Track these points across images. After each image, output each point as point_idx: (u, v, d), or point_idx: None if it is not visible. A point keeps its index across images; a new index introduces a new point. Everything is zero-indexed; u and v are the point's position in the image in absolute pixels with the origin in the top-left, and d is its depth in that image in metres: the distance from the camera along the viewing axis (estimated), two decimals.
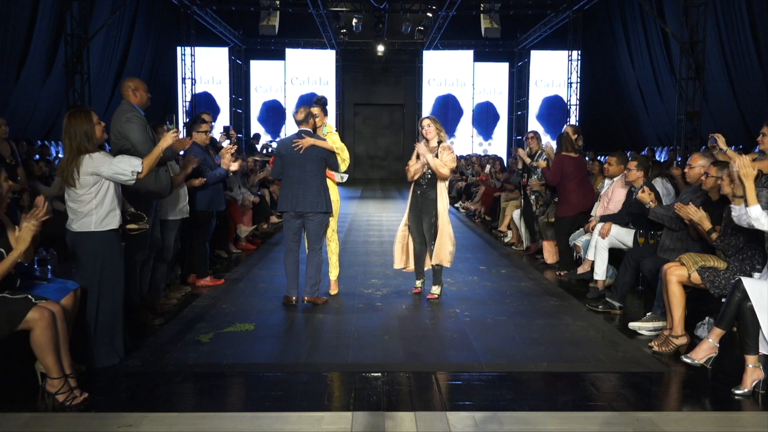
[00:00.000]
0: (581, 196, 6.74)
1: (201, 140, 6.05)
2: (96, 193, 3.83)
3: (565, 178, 6.71)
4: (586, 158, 8.21)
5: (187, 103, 18.55)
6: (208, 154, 6.15)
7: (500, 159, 13.49)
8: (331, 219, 5.64)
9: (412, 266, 5.89)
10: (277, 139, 15.24)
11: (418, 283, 5.92)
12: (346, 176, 5.81)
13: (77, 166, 3.77)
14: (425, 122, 5.68)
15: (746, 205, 3.70)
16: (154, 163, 4.08)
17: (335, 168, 5.56)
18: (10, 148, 7.18)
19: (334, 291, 5.82)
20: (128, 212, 4.20)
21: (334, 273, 5.86)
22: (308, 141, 5.35)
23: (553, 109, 20.53)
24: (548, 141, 7.67)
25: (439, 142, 5.61)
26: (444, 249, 5.58)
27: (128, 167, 3.85)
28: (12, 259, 3.36)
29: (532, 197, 7.80)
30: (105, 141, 4.38)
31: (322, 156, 5.37)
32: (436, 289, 5.72)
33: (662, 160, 12.30)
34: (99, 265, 3.87)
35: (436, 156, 5.53)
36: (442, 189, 5.63)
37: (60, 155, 11.61)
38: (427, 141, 5.64)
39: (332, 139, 5.66)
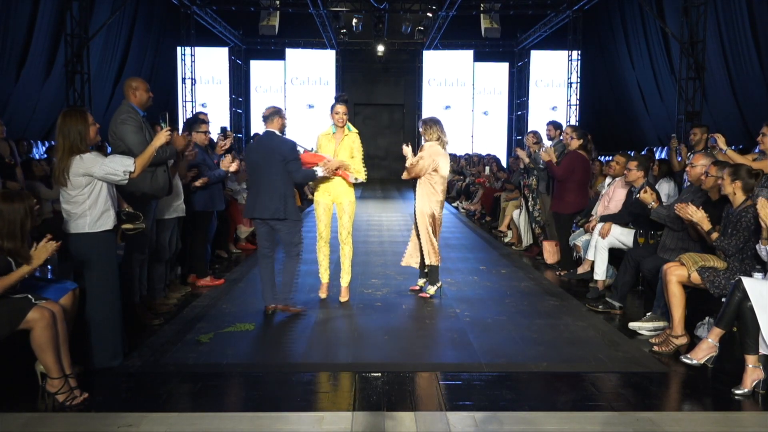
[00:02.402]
0: (580, 196, 6.77)
1: (200, 140, 6.06)
2: (89, 194, 3.83)
3: (569, 176, 6.71)
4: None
5: (188, 104, 18.55)
6: (207, 154, 6.16)
7: (497, 159, 13.46)
8: (347, 221, 5.46)
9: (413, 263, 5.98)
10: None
11: (420, 281, 5.96)
12: (360, 179, 5.48)
13: (67, 167, 3.76)
14: (420, 126, 5.86)
15: None
16: (147, 162, 4.06)
17: (297, 177, 5.12)
18: (9, 147, 7.18)
19: (344, 298, 5.53)
20: (124, 212, 4.19)
21: (345, 279, 5.57)
22: (335, 164, 5.26)
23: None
24: (548, 145, 7.66)
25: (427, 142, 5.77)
26: (425, 246, 5.74)
27: (120, 167, 3.84)
28: (21, 273, 3.37)
29: (530, 200, 7.79)
30: (98, 142, 4.36)
31: (282, 161, 4.98)
32: (430, 289, 5.75)
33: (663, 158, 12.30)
34: (94, 266, 3.87)
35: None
36: (422, 189, 5.72)
37: None
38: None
39: (353, 139, 5.50)
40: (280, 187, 4.98)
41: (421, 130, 5.84)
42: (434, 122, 5.81)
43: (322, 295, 5.61)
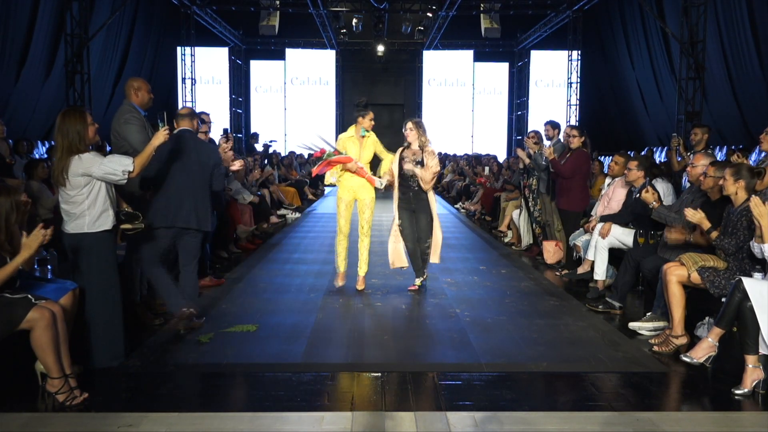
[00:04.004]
0: (585, 192, 6.81)
1: None
2: (88, 194, 3.82)
3: (576, 174, 6.71)
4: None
5: (188, 104, 18.55)
6: None
7: (496, 159, 13.45)
8: (369, 216, 5.80)
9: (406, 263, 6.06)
10: (271, 141, 15.05)
11: (418, 281, 6.00)
12: (384, 182, 5.85)
13: (66, 167, 3.77)
14: (408, 125, 5.88)
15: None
16: (146, 161, 4.05)
17: (217, 185, 4.90)
18: (8, 147, 7.19)
19: (360, 287, 5.89)
20: (123, 212, 4.19)
21: (363, 269, 5.92)
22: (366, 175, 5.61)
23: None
24: (549, 143, 7.65)
25: (421, 147, 5.83)
26: (439, 247, 5.92)
27: (119, 167, 3.84)
28: (15, 264, 3.36)
29: (530, 200, 7.79)
30: (98, 142, 4.35)
31: (212, 165, 4.68)
32: (418, 281, 5.98)
33: (662, 160, 12.32)
34: (94, 267, 3.87)
35: (420, 162, 5.77)
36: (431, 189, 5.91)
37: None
38: (409, 144, 5.88)
39: (373, 140, 5.85)
40: (207, 194, 4.70)
41: (412, 132, 5.83)
42: (424, 125, 5.99)
43: (340, 283, 5.92)
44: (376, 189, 5.83)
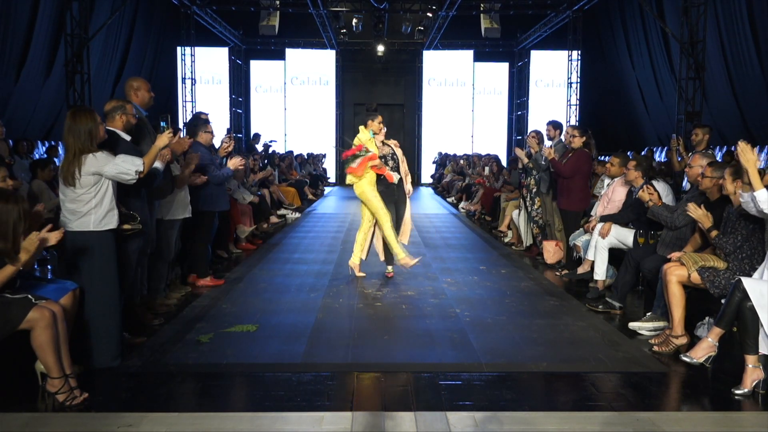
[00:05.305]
0: (585, 192, 6.80)
1: (207, 140, 6.06)
2: (96, 193, 3.85)
3: (576, 174, 6.71)
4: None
5: (188, 104, 18.54)
6: (211, 154, 6.16)
7: (497, 159, 13.43)
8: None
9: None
10: (271, 141, 15.13)
11: (390, 268, 6.56)
12: (400, 176, 6.35)
13: (79, 166, 3.78)
14: (380, 121, 6.34)
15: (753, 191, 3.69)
16: (153, 162, 4.12)
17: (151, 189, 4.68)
18: (8, 147, 7.20)
19: (361, 275, 6.46)
20: (122, 213, 4.21)
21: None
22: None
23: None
24: (550, 143, 7.63)
25: (384, 142, 6.39)
26: (409, 229, 6.60)
27: (132, 167, 3.89)
28: (15, 267, 3.36)
29: (528, 200, 7.79)
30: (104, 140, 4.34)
31: None
32: (391, 268, 6.53)
33: (662, 160, 12.33)
34: (95, 266, 3.87)
35: (393, 154, 6.40)
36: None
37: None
38: (374, 135, 6.34)
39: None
40: (128, 199, 4.44)
41: (383, 128, 6.32)
42: None
43: (360, 275, 6.45)
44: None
